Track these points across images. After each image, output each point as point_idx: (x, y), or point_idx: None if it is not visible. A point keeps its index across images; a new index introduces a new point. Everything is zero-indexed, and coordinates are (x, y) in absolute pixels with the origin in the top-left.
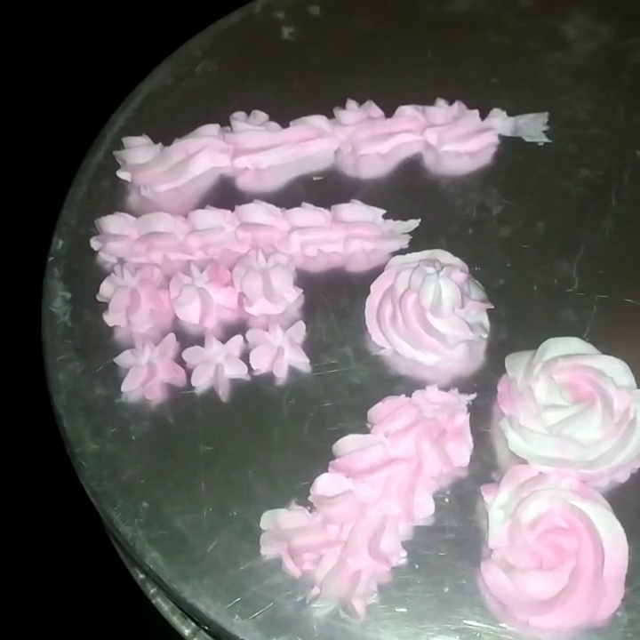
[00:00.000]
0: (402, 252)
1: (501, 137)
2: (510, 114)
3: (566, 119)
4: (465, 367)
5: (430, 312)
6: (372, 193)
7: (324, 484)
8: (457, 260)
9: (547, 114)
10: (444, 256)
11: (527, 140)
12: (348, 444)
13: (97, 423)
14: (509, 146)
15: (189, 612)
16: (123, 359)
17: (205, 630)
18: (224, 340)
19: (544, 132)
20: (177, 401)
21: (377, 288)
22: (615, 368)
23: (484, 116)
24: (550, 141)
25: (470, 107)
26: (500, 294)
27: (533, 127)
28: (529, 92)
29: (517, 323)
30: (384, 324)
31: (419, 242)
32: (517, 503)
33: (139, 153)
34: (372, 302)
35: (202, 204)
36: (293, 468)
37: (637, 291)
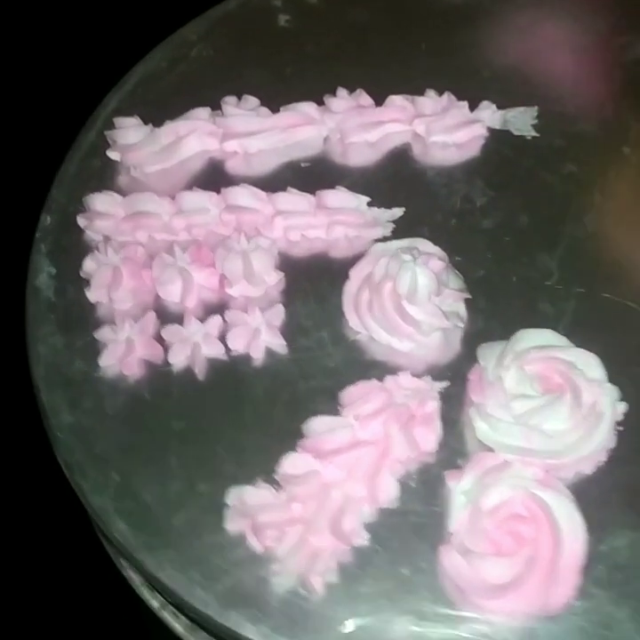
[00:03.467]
0: (385, 240)
1: (490, 129)
2: (500, 107)
3: (555, 114)
4: (440, 355)
5: (406, 299)
6: (359, 181)
7: (291, 463)
8: (437, 249)
9: (536, 108)
10: (425, 245)
11: (515, 133)
12: (317, 425)
13: (74, 396)
14: (497, 138)
15: (153, 583)
16: (102, 334)
17: (169, 602)
18: (205, 320)
19: (532, 125)
20: (154, 377)
21: (356, 274)
22: (587, 361)
23: (474, 108)
24: (538, 135)
25: (460, 99)
26: (480, 284)
27: (522, 121)
28: (519, 86)
29: (495, 313)
30: (361, 310)
31: (402, 230)
32: (480, 489)
33: (129, 133)
34: (350, 288)
35: (190, 186)
36: (263, 446)
37: (615, 286)
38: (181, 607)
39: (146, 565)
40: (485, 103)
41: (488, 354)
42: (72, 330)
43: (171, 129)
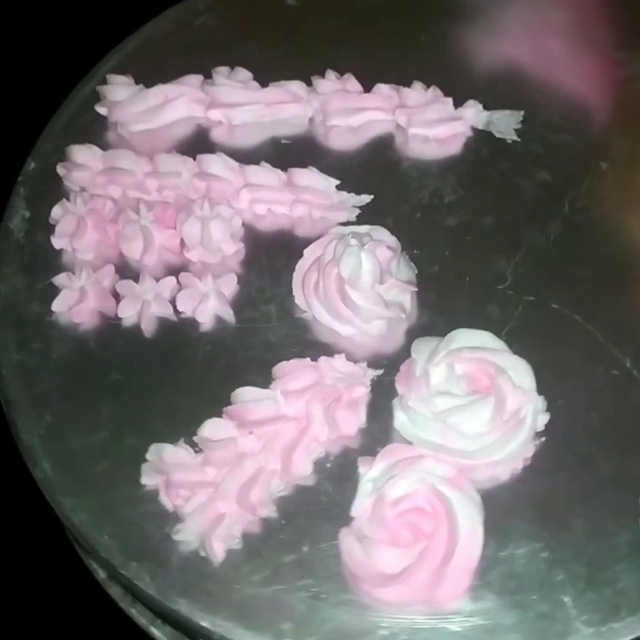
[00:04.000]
0: (346, 224)
1: (473, 129)
2: (486, 107)
3: (540, 121)
4: (380, 344)
5: (348, 284)
6: (334, 163)
7: (212, 427)
8: (392, 239)
9: (522, 113)
10: (381, 233)
11: (497, 135)
12: (243, 394)
13: (24, 337)
14: (478, 138)
15: (66, 524)
16: (59, 280)
17: (78, 544)
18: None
19: (515, 130)
20: (102, 329)
21: (309, 254)
22: (518, 368)
23: (460, 105)
24: (519, 140)
25: (448, 95)
26: (432, 280)
27: (506, 123)
28: (509, 89)
29: (442, 310)
30: (308, 290)
31: (366, 217)
32: (387, 479)
33: (119, 91)
34: (301, 266)
35: (172, 150)
36: (193, 408)
37: (565, 298)
38: (86, 550)
39: (62, 507)
40: (471, 102)
41: (422, 348)
42: (34, 273)
43: (159, 91)
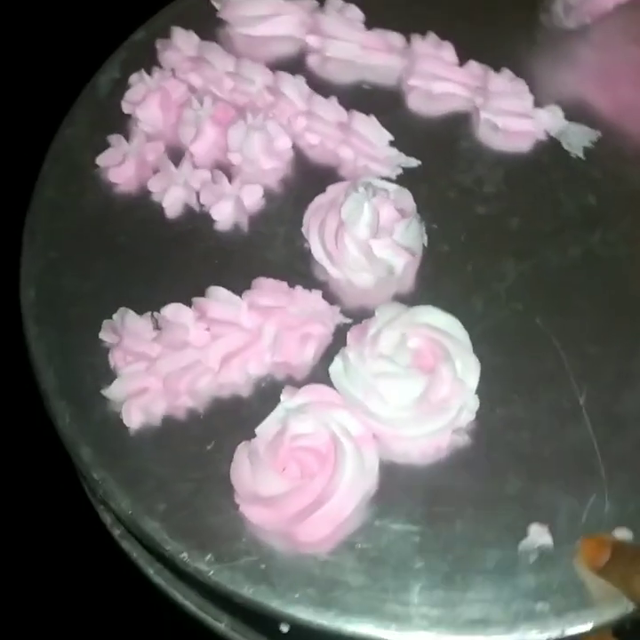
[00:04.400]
0: (383, 178)
1: (546, 133)
2: (567, 117)
3: (611, 148)
4: (363, 297)
5: (345, 228)
6: (399, 121)
7: (173, 310)
8: (410, 205)
9: (598, 133)
10: (404, 196)
11: (565, 147)
12: (215, 293)
13: (66, 178)
14: (546, 143)
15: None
16: (112, 139)
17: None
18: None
19: (584, 147)
20: (132, 195)
21: (330, 191)
22: (468, 362)
23: (543, 105)
24: (583, 158)
25: (535, 92)
26: (437, 257)
27: (578, 138)
28: (594, 108)
29: (433, 287)
30: (314, 223)
31: (405, 179)
32: (299, 413)
33: None
34: (318, 201)
35: (268, 62)
36: (172, 290)
37: (552, 319)
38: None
39: (29, 333)
40: (553, 106)
41: (387, 310)
42: (100, 127)
43: (274, 3)
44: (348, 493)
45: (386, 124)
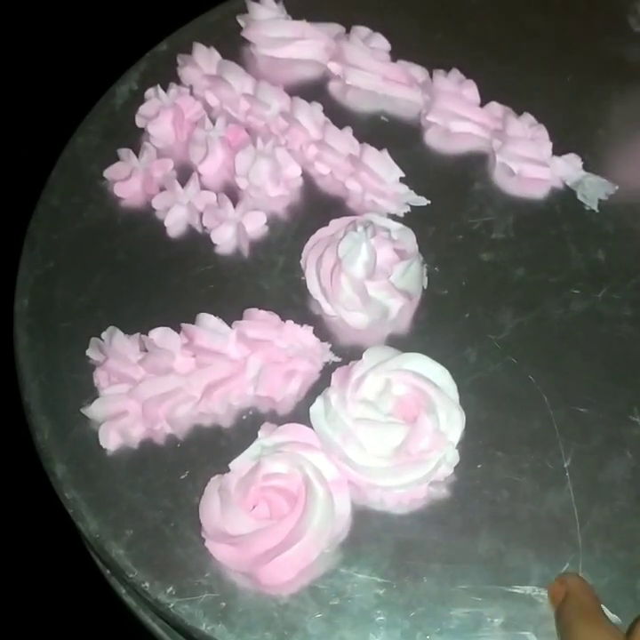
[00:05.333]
0: (390, 216)
1: (562, 181)
2: (585, 167)
3: (627, 203)
4: (357, 337)
5: (339, 266)
6: (413, 157)
7: (160, 334)
8: (412, 247)
9: (616, 187)
10: (407, 236)
11: (579, 197)
12: (205, 320)
13: (72, 187)
14: (561, 192)
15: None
16: (121, 153)
17: None
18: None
19: (599, 200)
20: (135, 211)
21: (332, 225)
22: (453, 416)
23: (562, 154)
24: (597, 211)
25: (555, 139)
26: (435, 301)
27: (594, 190)
28: (614, 162)
29: (427, 332)
30: (313, 257)
31: (412, 218)
32: (274, 451)
33: (263, 11)
34: (320, 234)
35: (288, 85)
36: (164, 313)
37: (545, 376)
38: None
39: (17, 342)
40: (572, 156)
41: (375, 353)
42: (111, 138)
43: (299, 26)
44: (316, 538)
45: (400, 159)
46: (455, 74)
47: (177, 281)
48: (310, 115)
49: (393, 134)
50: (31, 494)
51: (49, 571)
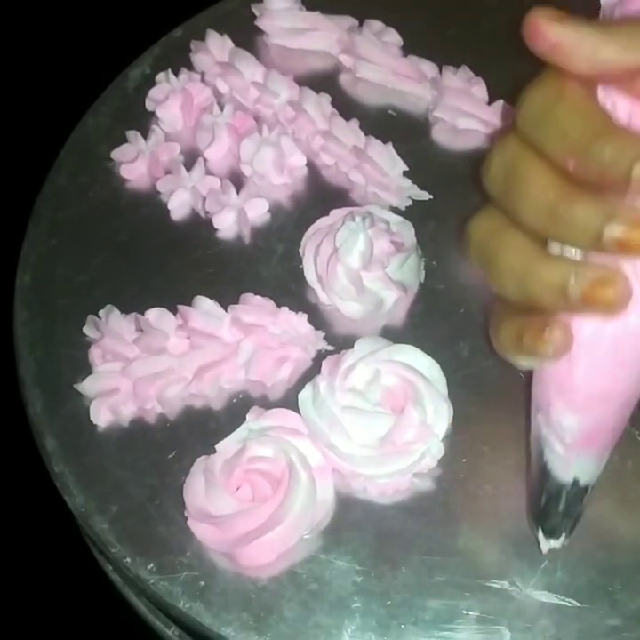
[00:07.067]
0: (392, 209)
1: None
2: None
3: None
4: (352, 327)
5: (336, 255)
6: (418, 151)
7: (156, 315)
8: (411, 240)
9: None
10: (406, 229)
11: None
12: (201, 303)
13: (79, 167)
14: None
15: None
16: (129, 135)
17: None
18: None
19: None
20: (141, 193)
21: (332, 215)
22: (441, 409)
23: None
24: None
25: None
26: (432, 295)
27: None
28: None
29: (421, 325)
30: (311, 246)
31: (413, 212)
32: (260, 435)
33: (277, 1)
34: (319, 223)
35: (299, 76)
36: (161, 293)
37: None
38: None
39: (16, 317)
40: None
41: (367, 344)
42: (121, 120)
43: (312, 18)
44: (296, 523)
45: (405, 153)
46: (465, 71)
47: (177, 263)
48: (318, 105)
49: (400, 128)
50: (24, 471)
51: (40, 548)
